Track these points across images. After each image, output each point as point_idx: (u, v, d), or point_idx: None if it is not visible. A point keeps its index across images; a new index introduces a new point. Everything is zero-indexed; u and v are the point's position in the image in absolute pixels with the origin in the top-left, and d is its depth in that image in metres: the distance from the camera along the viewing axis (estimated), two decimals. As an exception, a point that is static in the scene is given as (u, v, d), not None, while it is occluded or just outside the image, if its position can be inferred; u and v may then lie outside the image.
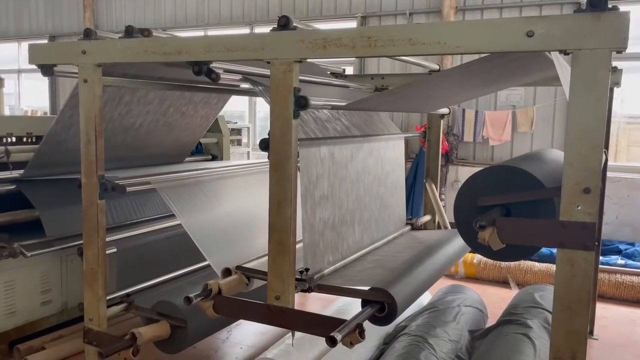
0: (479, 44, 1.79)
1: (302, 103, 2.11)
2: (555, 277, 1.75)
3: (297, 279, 2.31)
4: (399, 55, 2.00)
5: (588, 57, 1.66)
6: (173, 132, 3.80)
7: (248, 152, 7.18)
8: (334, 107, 2.42)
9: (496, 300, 4.11)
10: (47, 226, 3.15)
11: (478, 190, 2.11)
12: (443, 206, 4.17)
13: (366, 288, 2.30)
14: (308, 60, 2.16)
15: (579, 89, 1.69)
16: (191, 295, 2.26)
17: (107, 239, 2.93)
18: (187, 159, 4.37)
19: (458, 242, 3.26)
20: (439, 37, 1.84)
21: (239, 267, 2.56)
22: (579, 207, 1.68)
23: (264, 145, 2.19)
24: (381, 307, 2.25)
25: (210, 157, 4.70)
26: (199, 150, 4.67)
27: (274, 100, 2.14)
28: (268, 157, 2.18)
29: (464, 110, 6.75)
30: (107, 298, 2.75)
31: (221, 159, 4.70)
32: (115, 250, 2.95)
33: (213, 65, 2.36)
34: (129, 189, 2.69)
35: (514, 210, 2.00)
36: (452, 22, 1.85)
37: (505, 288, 4.88)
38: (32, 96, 11.40)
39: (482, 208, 2.04)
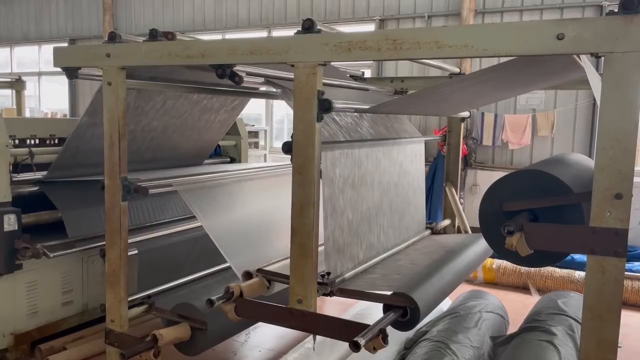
0: (508, 46, 1.77)
1: (325, 106, 2.10)
2: (586, 285, 1.71)
3: (318, 283, 2.30)
4: (424, 58, 1.98)
5: (620, 60, 1.62)
6: (193, 134, 3.82)
7: (265, 154, 7.20)
8: (357, 111, 2.41)
9: (517, 307, 4.05)
10: (69, 227, 3.19)
11: (504, 194, 2.08)
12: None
13: (388, 293, 2.28)
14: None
15: (610, 92, 1.65)
16: (213, 297, 2.26)
17: (129, 241, 2.97)
18: (206, 161, 4.38)
19: (479, 246, 3.23)
20: (466, 40, 1.81)
21: (260, 270, 2.56)
22: (610, 213, 1.65)
23: (287, 148, 2.19)
24: (404, 312, 2.23)
25: (229, 159, 4.71)
26: (218, 153, 4.69)
27: (297, 103, 2.13)
28: (291, 160, 2.18)
29: (483, 113, 6.69)
30: (128, 299, 2.77)
31: (239, 162, 4.71)
32: (136, 251, 2.96)
33: (236, 68, 2.36)
34: (151, 190, 2.70)
35: (541, 215, 1.97)
36: (479, 25, 1.83)
37: (525, 294, 4.82)
38: (52, 98, 11.56)
39: (508, 213, 2.01)
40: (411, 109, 2.81)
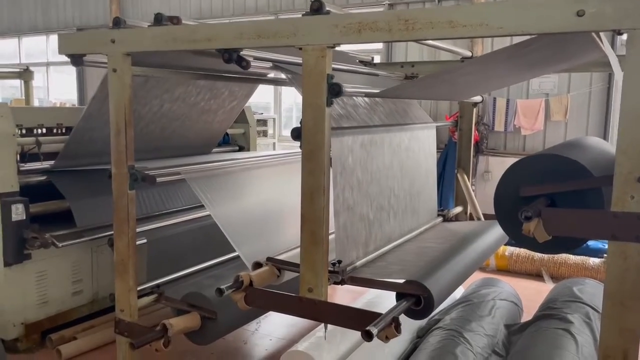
0: (525, 24, 1.69)
1: (335, 90, 2.04)
2: (607, 272, 1.65)
3: (329, 271, 2.26)
4: (437, 39, 1.91)
5: (645, 36, 1.55)
6: (201, 123, 3.77)
7: (274, 143, 7.14)
8: (367, 95, 2.34)
9: (530, 294, 3.99)
10: (78, 217, 3.17)
11: (520, 179, 2.02)
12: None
13: (401, 281, 2.23)
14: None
15: (634, 71, 1.58)
16: (223, 286, 2.23)
17: (137, 230, 2.95)
18: (214, 149, 4.34)
19: (492, 234, 3.17)
20: (481, 18, 1.74)
21: (269, 259, 2.52)
22: (633, 197, 1.58)
23: (296, 134, 2.14)
24: (417, 300, 2.18)
25: (237, 148, 4.67)
26: (226, 141, 4.64)
27: (306, 87, 2.07)
28: (300, 146, 2.13)
29: (494, 98, 6.58)
30: (138, 289, 2.75)
31: (248, 150, 4.66)
32: (145, 241, 2.94)
33: (243, 52, 2.31)
34: (158, 179, 2.66)
35: (559, 200, 1.90)
36: (495, 2, 1.75)
37: (538, 281, 4.75)
38: (60, 89, 11.57)
39: (525, 198, 1.94)
40: (422, 93, 2.74)
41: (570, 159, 1.93)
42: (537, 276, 4.84)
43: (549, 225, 1.69)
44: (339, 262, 2.34)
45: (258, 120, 6.95)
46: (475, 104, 3.98)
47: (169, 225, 3.14)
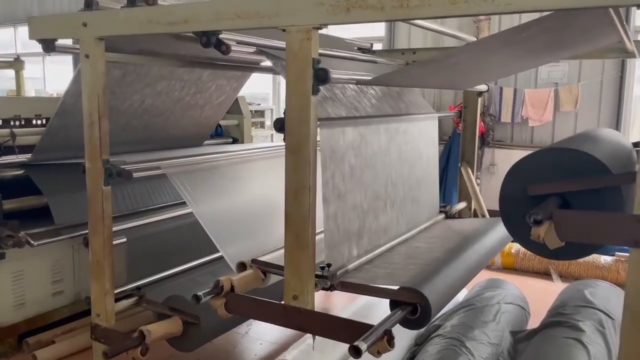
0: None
1: (322, 77, 1.84)
2: (628, 282, 1.45)
3: (317, 276, 2.07)
4: (436, 17, 1.70)
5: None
6: (189, 113, 3.58)
7: (272, 134, 6.93)
8: (358, 82, 2.13)
9: (538, 295, 3.78)
10: (56, 213, 2.99)
11: (528, 176, 1.80)
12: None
13: (395, 287, 2.04)
14: (332, 34, 1.89)
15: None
16: (200, 293, 2.04)
17: (116, 228, 2.76)
18: (206, 142, 4.15)
19: (497, 232, 2.96)
20: (486, -7, 1.52)
21: (254, 261, 2.33)
22: (659, 199, 1.37)
23: (279, 125, 1.94)
24: (413, 308, 1.99)
25: (231, 140, 4.47)
26: (219, 133, 4.44)
27: (290, 73, 1.87)
28: (284, 139, 1.93)
29: (501, 88, 6.32)
30: (116, 291, 2.57)
31: (242, 142, 4.46)
32: (125, 239, 2.76)
33: (223, 35, 2.10)
34: (136, 174, 2.48)
35: (573, 200, 1.69)
36: (502, -26, 1.53)
37: (546, 280, 4.53)
38: (57, 80, 11.39)
39: (533, 198, 1.73)
40: (421, 80, 2.52)
41: (586, 153, 1.71)
42: (545, 274, 4.62)
43: (562, 229, 1.48)
44: (329, 265, 2.14)
45: (256, 112, 6.75)
46: (480, 93, 3.76)
47: (153, 222, 2.95)
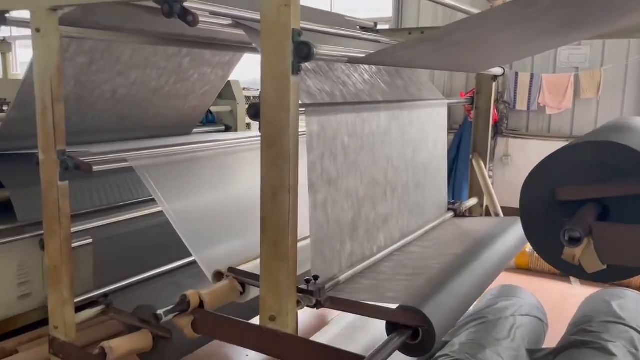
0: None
1: (303, 52, 1.50)
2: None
3: (301, 291, 1.75)
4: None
5: None
6: (172, 104, 3.25)
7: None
8: (350, 60, 1.77)
9: (555, 299, 3.45)
10: (19, 209, 2.67)
11: (557, 177, 1.45)
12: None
13: (394, 306, 1.71)
14: (333, 11, 1.55)
15: None
16: (160, 312, 1.73)
17: (81, 228, 2.47)
18: (196, 130, 3.82)
19: (512, 234, 2.63)
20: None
21: (232, 270, 2.01)
22: None
23: (254, 111, 1.62)
24: (414, 332, 1.66)
25: (224, 127, 4.14)
26: (211, 120, 4.12)
27: (265, 49, 1.54)
28: (259, 127, 1.61)
29: (516, 73, 5.92)
30: (80, 299, 2.30)
31: (235, 130, 4.13)
32: (90, 240, 2.45)
33: (190, 4, 1.76)
34: (98, 167, 2.16)
35: (616, 209, 1.34)
36: None
37: (564, 282, 4.16)
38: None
39: (564, 205, 1.38)
40: (426, 60, 2.16)
41: (632, 149, 1.36)
42: (563, 276, 4.26)
43: (605, 249, 1.14)
44: (316, 277, 1.82)
45: (253, 97, 6.40)
46: (495, 78, 3.39)
47: (124, 220, 2.63)
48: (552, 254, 1.34)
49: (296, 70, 1.52)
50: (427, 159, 2.67)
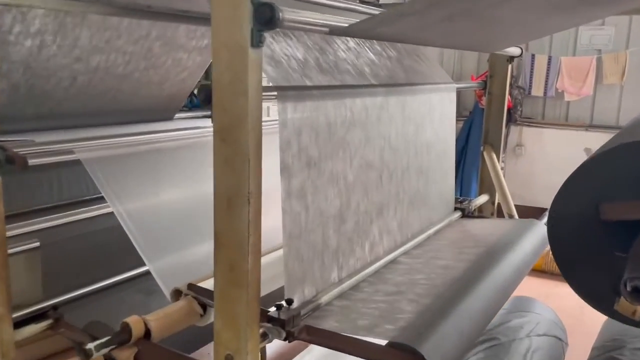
0: None
1: (265, 16, 1.14)
2: None
3: (270, 319, 1.41)
4: None
5: None
6: (145, 92, 2.91)
7: (268, 107, 6.21)
8: (332, 31, 1.39)
9: (572, 309, 3.06)
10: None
11: (600, 188, 1.08)
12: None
13: (383, 342, 1.37)
14: None
15: None
16: (90, 345, 1.39)
17: (28, 229, 2.15)
18: (180, 115, 3.46)
19: (529, 240, 2.29)
20: None
21: (191, 287, 1.68)
22: None
23: (205, 96, 1.27)
24: (408, 376, 1.32)
25: (209, 113, 3.77)
26: (196, 105, 3.76)
27: (216, 12, 1.18)
28: (210, 116, 1.27)
29: (533, 55, 5.50)
30: (26, 311, 1.98)
31: (223, 115, 3.77)
32: (38, 244, 2.13)
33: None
34: (37, 160, 1.82)
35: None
36: None
37: (582, 286, 3.83)
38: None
39: (610, 227, 1.02)
40: (433, 32, 1.78)
41: None
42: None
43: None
44: (289, 301, 1.48)
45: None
46: (511, 59, 3.00)
47: (78, 220, 2.29)
48: (597, 298, 0.98)
49: (257, 41, 1.16)
50: (431, 164, 2.31)
